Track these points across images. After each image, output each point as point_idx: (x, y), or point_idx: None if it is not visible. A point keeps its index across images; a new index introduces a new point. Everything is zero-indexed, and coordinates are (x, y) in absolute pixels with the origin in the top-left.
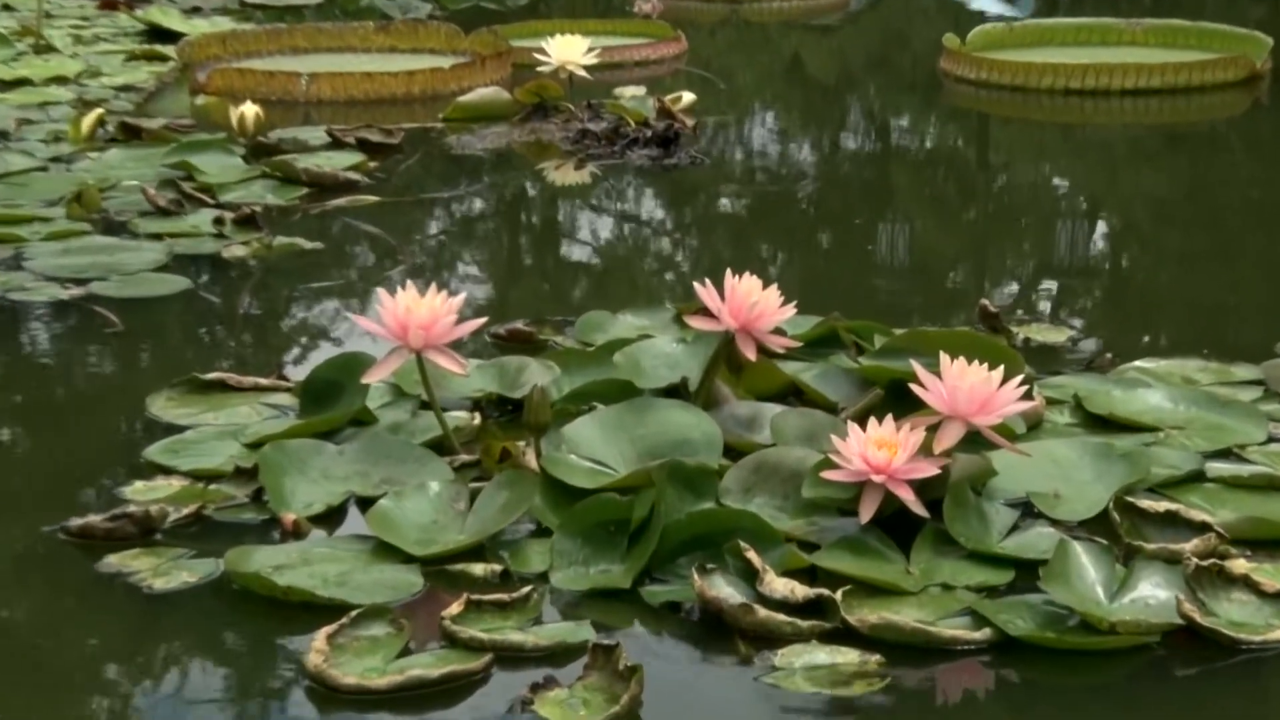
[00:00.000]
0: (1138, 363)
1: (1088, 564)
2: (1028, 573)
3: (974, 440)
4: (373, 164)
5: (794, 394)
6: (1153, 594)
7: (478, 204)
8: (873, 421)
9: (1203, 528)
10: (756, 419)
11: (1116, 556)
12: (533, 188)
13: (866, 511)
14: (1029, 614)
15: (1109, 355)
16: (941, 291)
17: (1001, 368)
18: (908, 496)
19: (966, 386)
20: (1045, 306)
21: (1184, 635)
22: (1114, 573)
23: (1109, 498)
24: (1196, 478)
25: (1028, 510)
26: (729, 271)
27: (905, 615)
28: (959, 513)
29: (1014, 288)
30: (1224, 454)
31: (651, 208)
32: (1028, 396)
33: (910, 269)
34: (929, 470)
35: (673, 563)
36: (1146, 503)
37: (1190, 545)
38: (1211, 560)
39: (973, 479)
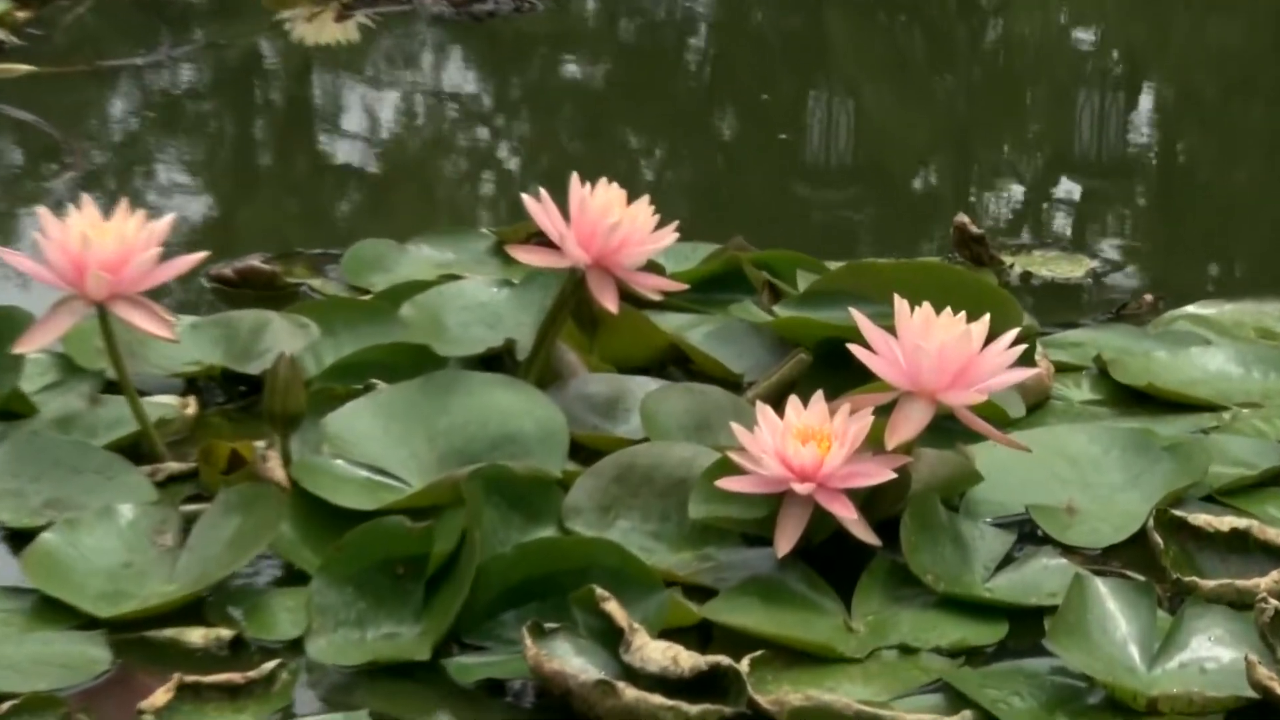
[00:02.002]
0: (1191, 307)
1: (1116, 611)
2: (1027, 626)
3: (947, 429)
4: (22, 14)
5: (676, 361)
6: (1212, 654)
7: (187, 76)
8: (794, 402)
9: None
10: (620, 400)
11: (1159, 599)
12: (272, 50)
13: (786, 539)
14: (1029, 688)
15: (1149, 297)
16: (899, 202)
17: (987, 318)
18: (847, 514)
19: (934, 347)
20: (1055, 224)
21: (1257, 713)
22: (1155, 623)
23: (1148, 511)
24: (1278, 479)
25: (1027, 533)
26: (575, 176)
27: (844, 693)
28: (925, 538)
29: (1009, 196)
30: None
31: (456, 79)
32: (1027, 361)
33: (852, 168)
34: (879, 475)
35: (494, 620)
36: (1204, 518)
37: (1267, 580)
38: None
39: (945, 487)
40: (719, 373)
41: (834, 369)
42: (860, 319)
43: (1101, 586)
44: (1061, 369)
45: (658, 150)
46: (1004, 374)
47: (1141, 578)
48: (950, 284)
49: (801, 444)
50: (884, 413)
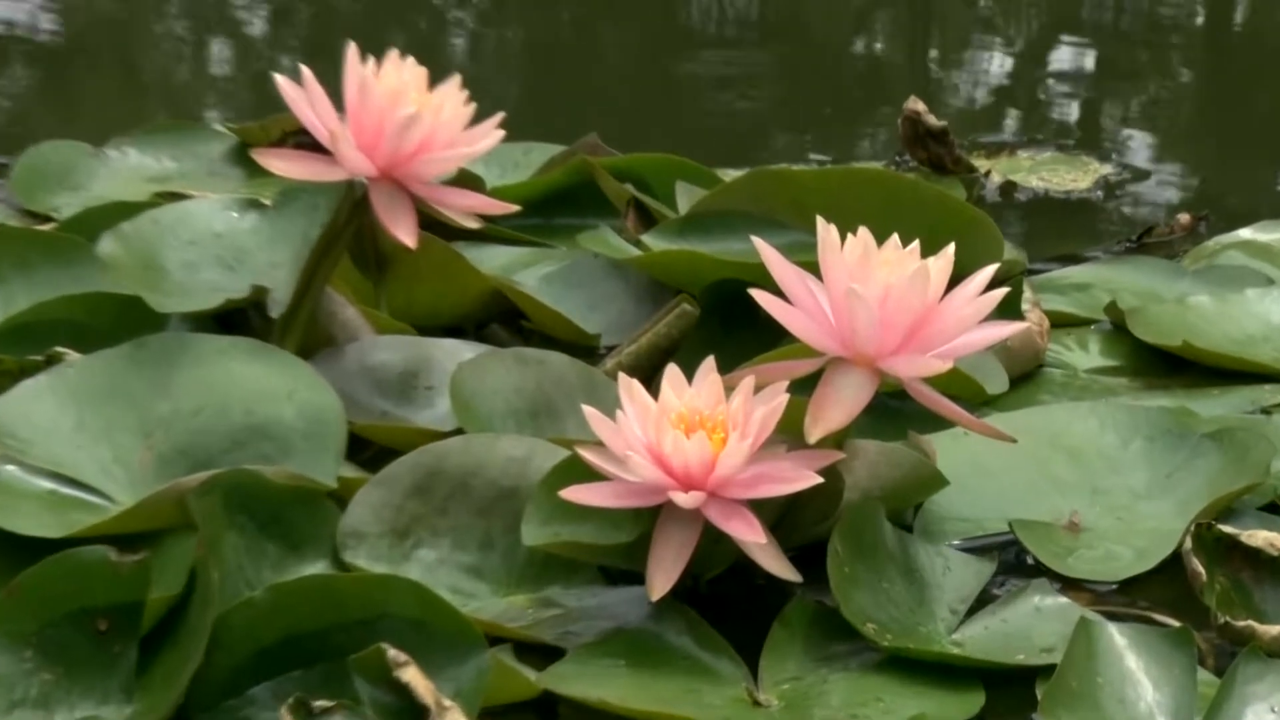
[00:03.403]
0: (1246, 231)
1: (1139, 670)
2: (1013, 694)
3: (895, 411)
4: None
5: (502, 317)
6: None
7: None
8: (674, 374)
9: None
10: (420, 375)
11: (1201, 653)
12: None
13: (664, 573)
14: None
15: (1185, 217)
16: (826, 82)
17: (951, 250)
18: (751, 536)
19: (875, 293)
20: (1052, 113)
21: None
22: (1195, 688)
23: (1185, 528)
24: None
25: (1012, 560)
26: (353, 47)
27: None
28: (864, 569)
29: (984, 72)
30: None
31: None
32: (1010, 312)
33: (756, 31)
34: (797, 479)
35: (239, 696)
36: (1264, 536)
37: None
38: None
39: (894, 496)
40: (564, 332)
41: (731, 325)
42: (768, 252)
43: (1118, 636)
44: (1060, 322)
45: (471, 8)
46: (976, 331)
47: (1175, 623)
48: (899, 200)
49: (685, 435)
50: (804, 389)
